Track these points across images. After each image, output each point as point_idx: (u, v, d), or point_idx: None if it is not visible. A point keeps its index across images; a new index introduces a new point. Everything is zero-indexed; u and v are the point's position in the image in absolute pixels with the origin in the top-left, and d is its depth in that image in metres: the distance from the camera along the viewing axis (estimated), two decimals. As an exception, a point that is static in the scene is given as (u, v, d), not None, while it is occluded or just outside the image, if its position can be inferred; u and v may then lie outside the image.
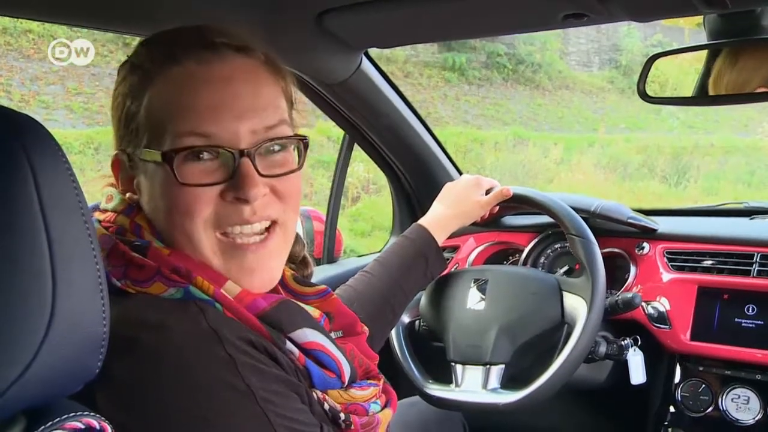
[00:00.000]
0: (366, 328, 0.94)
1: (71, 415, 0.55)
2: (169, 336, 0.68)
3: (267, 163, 0.76)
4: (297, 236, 0.88)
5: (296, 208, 0.81)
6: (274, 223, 0.78)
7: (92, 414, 0.57)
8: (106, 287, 0.56)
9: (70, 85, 7.24)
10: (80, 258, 0.53)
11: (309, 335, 0.77)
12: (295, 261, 0.92)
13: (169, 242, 0.77)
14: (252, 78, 0.76)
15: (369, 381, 0.86)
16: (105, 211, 0.81)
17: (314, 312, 0.84)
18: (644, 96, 1.32)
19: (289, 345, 0.75)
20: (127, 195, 0.80)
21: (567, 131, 11.31)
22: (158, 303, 0.71)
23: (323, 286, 0.90)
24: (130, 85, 0.77)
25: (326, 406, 0.77)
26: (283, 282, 0.87)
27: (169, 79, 0.74)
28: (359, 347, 0.89)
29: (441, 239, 1.36)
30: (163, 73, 0.75)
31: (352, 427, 0.78)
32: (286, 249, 0.82)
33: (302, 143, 0.80)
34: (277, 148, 0.77)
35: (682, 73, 7.64)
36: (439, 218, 1.38)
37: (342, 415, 0.78)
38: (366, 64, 1.47)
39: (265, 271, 0.78)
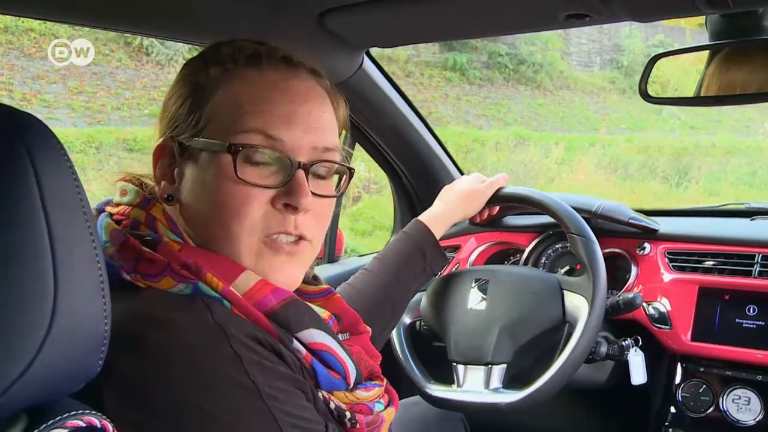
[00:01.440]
0: (368, 327, 0.95)
1: (72, 413, 0.55)
2: (176, 332, 0.68)
3: (314, 184, 0.80)
4: None
5: (324, 231, 0.85)
6: (305, 239, 0.81)
7: (93, 412, 0.57)
8: (107, 286, 0.56)
9: (72, 84, 7.26)
10: (82, 257, 0.53)
11: (316, 336, 0.77)
12: (306, 279, 0.92)
13: (201, 234, 0.78)
14: (321, 100, 0.82)
15: (373, 382, 0.87)
16: (118, 204, 0.82)
17: (323, 313, 0.85)
18: (646, 96, 1.32)
19: (296, 344, 0.76)
20: (162, 183, 0.81)
21: (568, 131, 11.33)
22: (166, 299, 0.72)
23: (327, 286, 0.92)
24: (203, 78, 0.79)
25: (332, 405, 0.77)
26: None
27: (248, 81, 0.78)
28: (363, 347, 0.90)
29: (441, 232, 1.36)
30: (243, 74, 0.78)
31: (358, 426, 0.79)
32: (311, 261, 0.85)
33: (349, 173, 0.85)
34: (323, 172, 0.82)
35: (683, 74, 7.64)
36: (439, 213, 1.39)
37: (348, 414, 0.78)
38: (367, 64, 1.47)
39: (291, 272, 0.80)
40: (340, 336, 0.87)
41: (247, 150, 0.75)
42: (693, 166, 10.16)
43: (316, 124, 0.79)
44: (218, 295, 0.72)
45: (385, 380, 0.90)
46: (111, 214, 0.80)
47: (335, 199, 0.85)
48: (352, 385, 0.82)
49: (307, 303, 0.82)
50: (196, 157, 0.78)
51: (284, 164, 0.77)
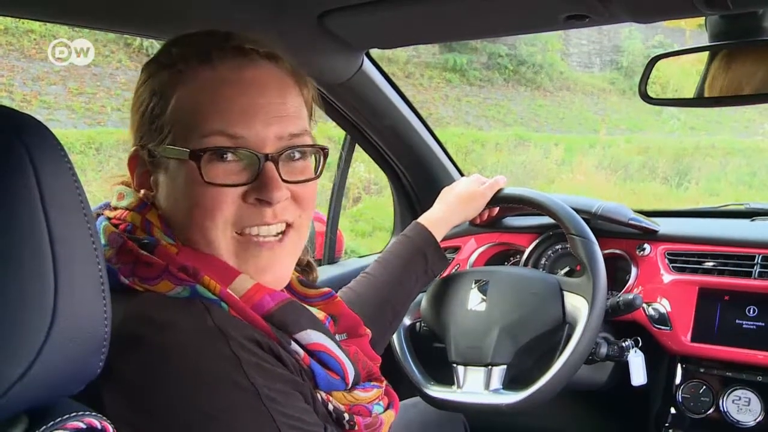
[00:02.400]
0: (369, 330, 0.95)
1: (73, 414, 0.55)
2: (175, 334, 0.68)
3: (288, 169, 0.78)
4: None
5: (311, 213, 0.84)
6: (289, 226, 0.80)
7: (94, 414, 0.57)
8: (107, 287, 0.56)
9: (72, 85, 7.25)
10: (82, 258, 0.53)
11: (313, 337, 0.78)
12: (300, 265, 0.92)
13: (184, 239, 0.78)
14: (281, 85, 0.79)
15: (372, 383, 0.87)
16: (115, 208, 0.82)
17: (319, 314, 0.84)
18: (645, 97, 1.32)
19: (294, 345, 0.76)
20: (142, 192, 0.81)
21: (568, 132, 11.32)
22: (164, 301, 0.72)
23: (327, 289, 0.92)
24: (158, 83, 0.78)
25: (330, 407, 0.78)
26: (288, 285, 0.88)
27: (201, 81, 0.76)
28: (362, 349, 0.90)
29: (441, 235, 1.36)
30: (195, 74, 0.76)
31: (356, 428, 0.79)
32: (299, 250, 0.84)
33: (322, 153, 0.82)
34: (297, 155, 0.79)
35: (683, 75, 7.64)
36: (439, 215, 1.38)
37: (346, 416, 0.78)
38: (367, 65, 1.47)
39: (278, 268, 0.80)
40: (337, 336, 0.87)
41: (210, 153, 0.74)
42: (693, 167, 10.16)
43: (278, 114, 0.77)
44: (216, 297, 0.72)
45: (385, 382, 0.90)
46: (108, 218, 0.80)
47: (317, 180, 0.82)
48: (350, 385, 0.82)
49: (305, 305, 0.82)
50: (165, 165, 0.78)
51: (251, 159, 0.76)
